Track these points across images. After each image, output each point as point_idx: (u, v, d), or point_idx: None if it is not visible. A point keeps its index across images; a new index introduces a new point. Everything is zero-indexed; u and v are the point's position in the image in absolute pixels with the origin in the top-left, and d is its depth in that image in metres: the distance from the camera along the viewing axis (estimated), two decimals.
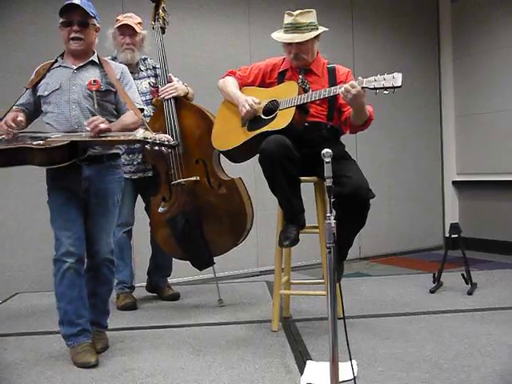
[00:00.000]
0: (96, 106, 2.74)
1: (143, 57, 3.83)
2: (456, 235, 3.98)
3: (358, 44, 5.74)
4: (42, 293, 4.09)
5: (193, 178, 3.50)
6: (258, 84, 3.24)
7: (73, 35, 2.75)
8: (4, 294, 4.13)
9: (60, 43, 2.84)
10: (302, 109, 2.96)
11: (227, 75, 3.33)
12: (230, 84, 3.26)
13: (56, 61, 2.85)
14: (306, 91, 3.04)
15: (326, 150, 2.10)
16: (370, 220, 2.93)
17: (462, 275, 3.84)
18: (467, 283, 3.81)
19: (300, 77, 3.12)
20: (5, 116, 2.69)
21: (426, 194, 6.23)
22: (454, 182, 6.24)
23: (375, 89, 2.71)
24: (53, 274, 2.73)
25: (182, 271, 4.45)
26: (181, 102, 3.61)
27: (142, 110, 2.91)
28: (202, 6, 3.94)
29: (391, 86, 2.66)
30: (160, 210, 3.57)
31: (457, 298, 3.67)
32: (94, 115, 2.69)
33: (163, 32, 3.71)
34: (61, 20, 2.76)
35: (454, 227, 4.01)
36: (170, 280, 4.14)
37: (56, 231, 2.74)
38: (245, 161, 3.27)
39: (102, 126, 2.60)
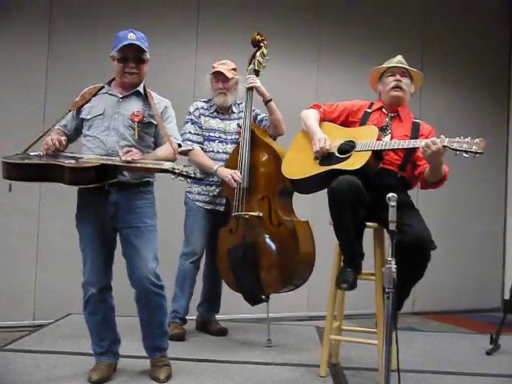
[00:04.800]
0: (136, 137, 2.81)
1: (239, 101, 3.98)
2: None
3: (424, 100, 5.63)
4: None
5: (256, 213, 3.56)
6: (341, 121, 3.24)
7: (128, 70, 2.84)
8: (58, 314, 4.21)
9: (107, 69, 2.95)
10: (377, 154, 2.93)
11: (311, 107, 3.35)
12: (311, 116, 3.27)
13: (102, 87, 2.94)
14: (384, 132, 3.05)
15: (391, 194, 2.10)
16: (427, 274, 2.85)
17: None
18: None
19: (386, 120, 3.13)
20: (46, 133, 2.80)
21: (487, 252, 6.02)
22: None
23: (456, 150, 2.66)
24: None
25: (233, 308, 4.43)
26: (257, 140, 3.70)
27: (179, 145, 2.94)
28: (270, 47, 4.08)
29: (472, 150, 2.61)
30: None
31: None
32: (131, 145, 2.76)
33: (257, 74, 3.85)
34: (116, 54, 2.82)
35: None
36: (222, 316, 4.14)
37: (83, 258, 2.86)
38: (310, 193, 3.28)
39: (136, 156, 2.65)
